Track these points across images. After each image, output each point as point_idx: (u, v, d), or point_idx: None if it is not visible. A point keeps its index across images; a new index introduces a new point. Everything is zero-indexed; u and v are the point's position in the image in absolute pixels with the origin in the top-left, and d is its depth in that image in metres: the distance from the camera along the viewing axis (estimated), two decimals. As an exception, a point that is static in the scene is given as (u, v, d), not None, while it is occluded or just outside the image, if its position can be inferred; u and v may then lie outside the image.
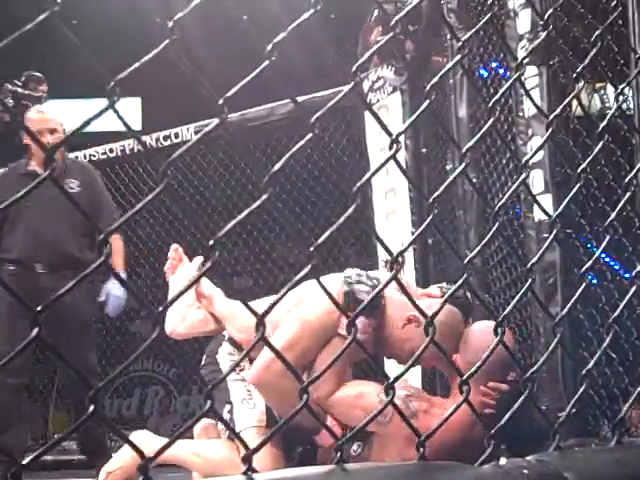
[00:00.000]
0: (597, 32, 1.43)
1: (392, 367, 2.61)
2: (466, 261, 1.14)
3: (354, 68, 1.05)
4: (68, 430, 0.83)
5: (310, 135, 0.99)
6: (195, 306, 2.56)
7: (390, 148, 1.07)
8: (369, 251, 4.46)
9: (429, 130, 3.93)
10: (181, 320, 2.59)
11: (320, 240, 1.00)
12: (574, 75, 1.39)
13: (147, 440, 2.34)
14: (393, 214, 3.97)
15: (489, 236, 1.22)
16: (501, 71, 3.29)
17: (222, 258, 0.88)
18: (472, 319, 2.38)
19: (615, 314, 1.34)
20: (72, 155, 4.99)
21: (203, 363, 2.49)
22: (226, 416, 2.27)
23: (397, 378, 1.05)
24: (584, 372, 1.26)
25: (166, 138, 4.68)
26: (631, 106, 2.54)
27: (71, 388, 4.02)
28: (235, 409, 2.28)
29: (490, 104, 1.27)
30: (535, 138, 2.80)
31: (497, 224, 1.20)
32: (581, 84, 1.50)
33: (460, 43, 1.21)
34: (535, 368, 1.19)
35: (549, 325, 2.54)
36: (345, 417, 2.15)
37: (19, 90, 5.68)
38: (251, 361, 2.26)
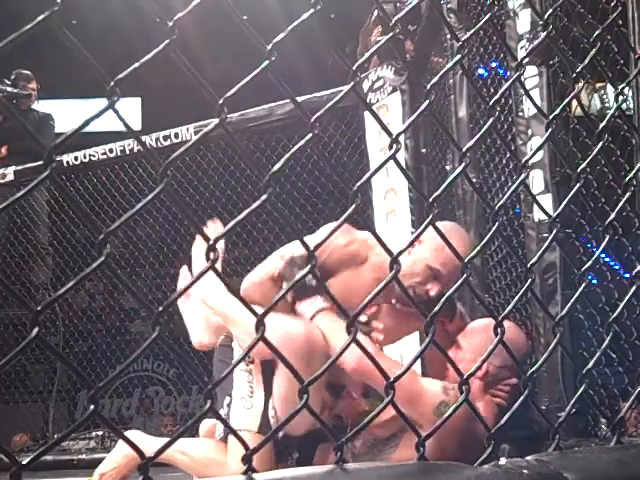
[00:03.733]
0: (597, 32, 1.43)
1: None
2: (466, 261, 1.14)
3: (354, 68, 1.05)
4: (68, 430, 0.83)
5: (310, 135, 0.99)
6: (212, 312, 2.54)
7: (390, 148, 1.07)
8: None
9: (429, 130, 3.93)
10: (204, 330, 2.57)
11: (320, 240, 1.00)
12: (574, 75, 1.39)
13: (138, 440, 2.34)
14: (393, 214, 3.97)
15: (489, 236, 1.22)
16: (501, 71, 3.29)
17: (222, 258, 0.88)
18: (470, 319, 2.38)
19: (615, 314, 1.34)
20: (72, 155, 5.01)
21: (219, 343, 2.48)
22: (224, 409, 2.26)
23: (397, 378, 1.05)
24: (584, 372, 1.26)
25: (166, 138, 4.68)
26: (631, 106, 2.54)
27: None
28: (232, 405, 2.27)
29: (490, 104, 1.27)
30: (535, 138, 2.80)
31: (497, 224, 1.20)
32: (581, 84, 1.50)
33: (460, 43, 1.21)
34: (535, 368, 1.19)
35: (549, 325, 2.54)
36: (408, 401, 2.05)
37: (7, 89, 5.70)
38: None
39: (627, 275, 2.47)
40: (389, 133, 1.08)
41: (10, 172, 5.24)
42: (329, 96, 4.08)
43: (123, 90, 0.81)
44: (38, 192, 5.47)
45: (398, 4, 3.92)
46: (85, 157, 5.01)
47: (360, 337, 1.02)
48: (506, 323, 2.07)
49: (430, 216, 1.11)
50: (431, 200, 1.12)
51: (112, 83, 0.81)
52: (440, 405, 1.98)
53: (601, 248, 1.37)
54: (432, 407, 1.97)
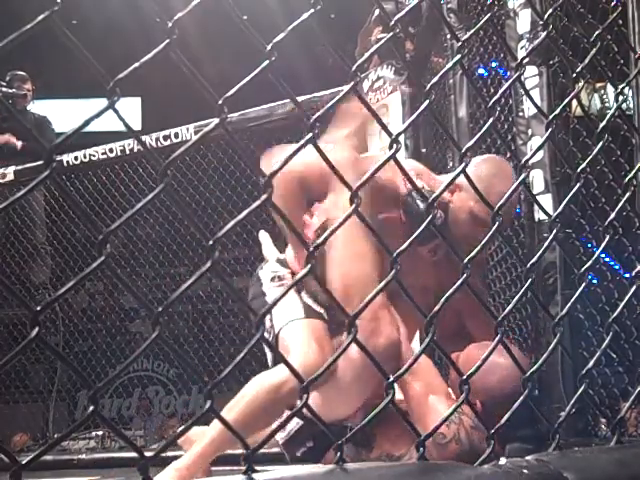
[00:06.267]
0: (597, 32, 1.43)
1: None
2: (466, 261, 1.14)
3: (354, 68, 1.05)
4: (68, 430, 0.83)
5: (310, 135, 0.99)
6: None
7: (390, 148, 1.07)
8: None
9: (429, 130, 3.92)
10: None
11: (320, 239, 1.00)
12: (574, 75, 1.39)
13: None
14: (393, 214, 3.96)
15: (489, 235, 1.22)
16: (501, 71, 3.29)
17: (222, 258, 0.88)
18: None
19: (615, 314, 1.34)
20: (72, 155, 5.01)
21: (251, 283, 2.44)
22: (267, 324, 2.20)
23: (398, 377, 1.05)
24: (584, 372, 1.26)
25: (166, 138, 4.68)
26: (631, 106, 2.54)
27: None
28: (275, 310, 2.21)
29: (490, 104, 1.27)
30: (535, 138, 2.80)
31: (497, 224, 1.20)
32: (581, 84, 1.50)
33: (460, 43, 1.21)
34: (535, 368, 1.19)
35: (549, 325, 2.54)
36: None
37: (3, 89, 5.72)
38: (293, 274, 2.25)
39: (627, 275, 2.47)
40: (389, 133, 1.08)
41: (10, 172, 5.24)
42: (329, 96, 4.07)
43: (123, 90, 0.81)
44: (36, 191, 5.46)
45: (399, 4, 3.92)
46: (85, 157, 5.01)
47: None
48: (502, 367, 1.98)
49: (430, 216, 1.11)
50: (431, 200, 1.12)
51: (112, 83, 0.81)
52: (436, 436, 1.88)
53: (601, 248, 1.37)
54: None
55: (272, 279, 2.33)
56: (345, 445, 0.97)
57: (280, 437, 2.19)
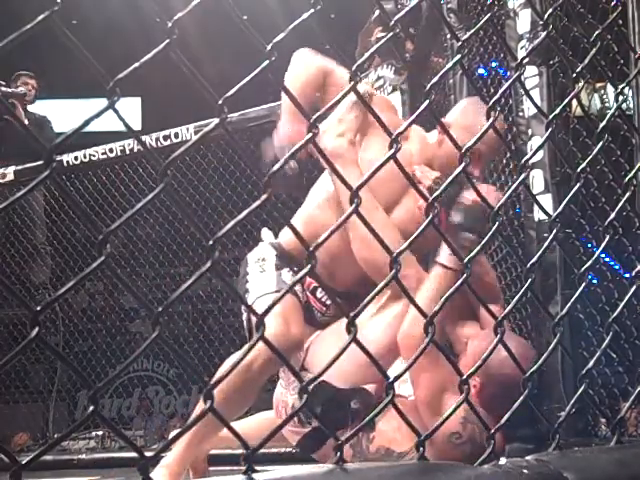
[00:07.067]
0: (597, 32, 1.43)
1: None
2: (466, 261, 1.14)
3: (354, 68, 1.05)
4: (68, 430, 0.83)
5: (310, 135, 0.99)
6: None
7: (390, 148, 1.07)
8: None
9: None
10: None
11: (320, 239, 1.00)
12: (574, 75, 1.39)
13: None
14: (393, 214, 3.95)
15: (489, 236, 1.22)
16: (501, 71, 3.29)
17: (222, 258, 0.88)
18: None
19: (615, 314, 1.34)
20: (72, 155, 5.01)
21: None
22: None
23: (397, 377, 1.05)
24: (584, 372, 1.26)
25: (166, 138, 4.67)
26: (631, 106, 2.54)
27: None
28: (250, 282, 2.29)
29: (490, 104, 1.27)
30: (535, 138, 2.80)
31: (497, 224, 1.20)
32: (581, 84, 1.50)
33: (460, 43, 1.21)
34: (535, 368, 1.19)
35: (549, 325, 2.54)
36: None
37: (2, 89, 5.72)
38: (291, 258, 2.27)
39: (627, 275, 2.47)
40: (389, 133, 1.08)
41: (10, 172, 5.24)
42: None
43: (123, 90, 0.81)
44: (36, 191, 5.45)
45: (399, 5, 3.92)
46: (85, 157, 5.01)
47: None
48: (516, 340, 2.01)
49: (430, 216, 1.11)
50: (431, 200, 1.12)
51: (112, 83, 0.81)
52: (452, 436, 1.87)
53: (601, 248, 1.37)
54: (444, 435, 1.85)
55: (256, 260, 2.36)
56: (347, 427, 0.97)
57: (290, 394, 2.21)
